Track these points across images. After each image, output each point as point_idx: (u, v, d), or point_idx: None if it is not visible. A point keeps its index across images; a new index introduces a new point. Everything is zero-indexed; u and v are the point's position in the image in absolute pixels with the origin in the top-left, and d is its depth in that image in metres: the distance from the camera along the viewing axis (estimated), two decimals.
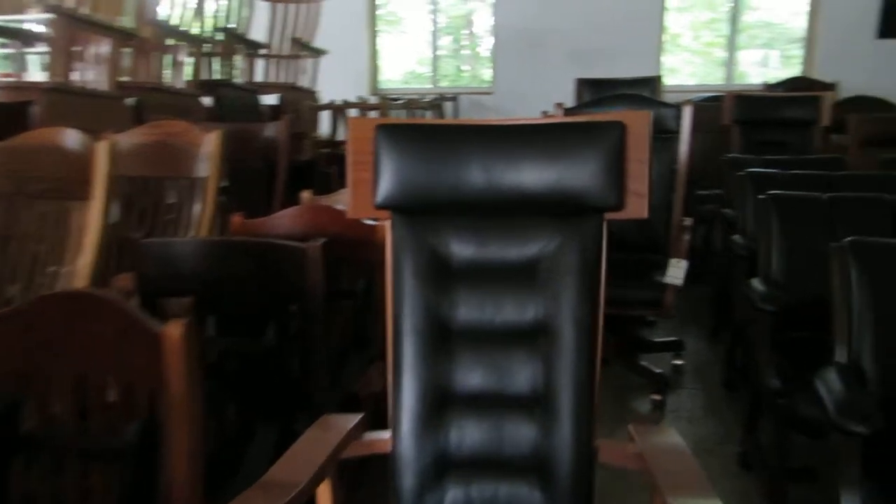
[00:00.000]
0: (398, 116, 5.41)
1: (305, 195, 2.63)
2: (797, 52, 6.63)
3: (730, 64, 6.35)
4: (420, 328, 1.24)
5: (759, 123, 3.80)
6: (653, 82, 4.36)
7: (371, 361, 2.13)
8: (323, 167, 3.94)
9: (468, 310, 1.26)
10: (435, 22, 6.98)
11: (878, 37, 5.73)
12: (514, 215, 1.26)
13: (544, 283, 1.24)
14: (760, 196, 2.14)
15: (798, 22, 6.51)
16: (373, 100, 6.42)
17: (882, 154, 3.76)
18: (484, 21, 7.26)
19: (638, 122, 1.21)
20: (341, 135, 5.26)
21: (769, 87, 5.51)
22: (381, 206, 1.26)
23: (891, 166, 3.10)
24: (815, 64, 6.01)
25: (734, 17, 6.30)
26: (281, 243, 1.80)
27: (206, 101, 3.88)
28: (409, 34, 7.51)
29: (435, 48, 7.05)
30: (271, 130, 3.29)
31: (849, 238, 1.52)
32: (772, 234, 2.08)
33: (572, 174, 1.21)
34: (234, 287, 1.91)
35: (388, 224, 1.28)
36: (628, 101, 2.94)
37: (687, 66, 7.19)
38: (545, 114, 3.77)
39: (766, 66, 7.00)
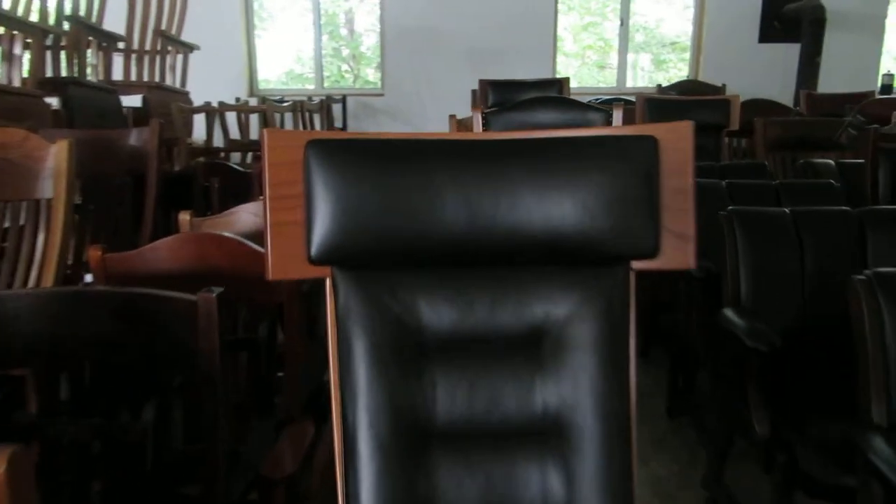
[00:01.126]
0: (288, 123, 4.89)
1: (185, 218, 2.14)
2: (670, 56, 6.76)
3: (621, 67, 6.33)
4: (383, 437, 0.85)
5: None
6: (560, 84, 4.16)
7: (279, 429, 1.71)
8: (202, 179, 3.40)
9: (451, 403, 0.88)
10: (318, 20, 6.49)
11: (759, 41, 5.89)
12: (510, 267, 0.90)
13: (555, 360, 0.89)
14: (721, 212, 1.91)
15: (673, 27, 6.63)
16: (253, 101, 5.85)
17: (785, 156, 3.75)
18: (365, 19, 6.86)
19: (676, 137, 0.88)
20: (218, 140, 4.68)
21: (663, 89, 5.50)
22: (318, 261, 0.86)
23: (808, 171, 3.02)
24: (701, 68, 6.10)
25: (625, 21, 6.28)
26: (161, 295, 1.34)
27: (53, 102, 3.24)
28: (285, 31, 6.96)
29: (318, 47, 6.56)
30: (136, 137, 2.76)
31: (873, 269, 1.28)
32: (738, 255, 1.84)
33: (587, 208, 0.86)
34: (95, 353, 1.42)
35: (328, 284, 0.88)
36: (554, 103, 2.67)
37: (566, 69, 7.15)
38: (454, 117, 3.44)
39: (642, 69, 7.09)
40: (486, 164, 0.87)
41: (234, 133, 5.37)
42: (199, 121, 4.73)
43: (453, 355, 0.89)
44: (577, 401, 0.88)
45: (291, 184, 0.85)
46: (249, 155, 4.93)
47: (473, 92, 5.42)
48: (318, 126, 5.22)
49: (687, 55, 6.76)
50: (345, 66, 7.45)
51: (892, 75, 6.00)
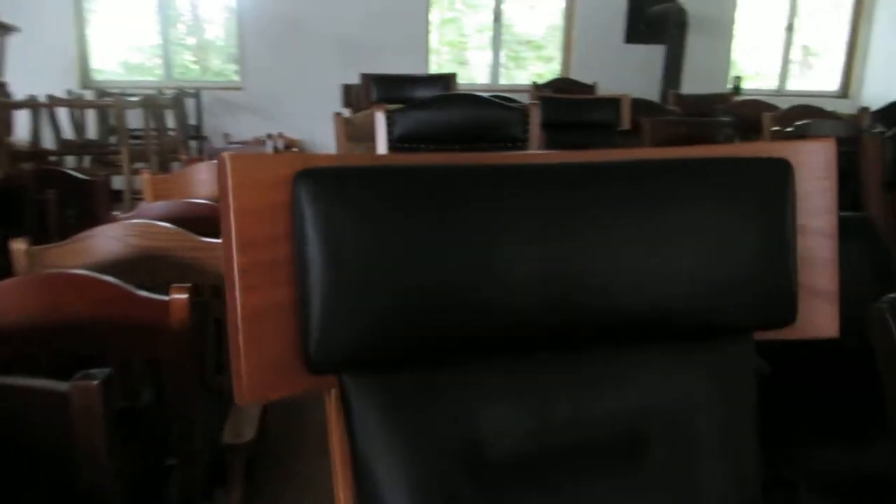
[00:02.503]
0: (134, 121, 4.25)
1: (20, 247, 1.66)
2: (528, 53, 6.77)
3: (495, 64, 6.22)
4: None
5: (564, 126, 3.54)
6: (447, 80, 3.91)
7: None
8: (33, 191, 2.78)
9: None
10: (162, 2, 5.79)
11: (625, 42, 5.99)
12: (593, 349, 0.62)
13: (662, 471, 0.62)
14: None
15: (528, 25, 6.63)
16: (88, 95, 5.08)
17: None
18: (212, 3, 6.21)
19: (814, 159, 0.64)
20: (48, 141, 3.97)
21: (538, 87, 5.43)
22: (321, 367, 0.52)
23: None
24: (571, 67, 6.12)
25: (498, 17, 6.17)
26: (18, 385, 0.91)
27: None
28: (120, 15, 6.15)
29: (166, 32, 5.87)
30: None
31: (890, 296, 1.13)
32: None
33: (706, 263, 0.60)
34: None
35: (332, 398, 0.55)
36: (468, 101, 2.40)
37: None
38: (341, 116, 3.08)
39: (502, 66, 7.02)
40: (569, 202, 0.58)
41: (68, 132, 4.63)
42: (22, 118, 3.98)
43: (524, 481, 0.59)
44: None
45: (271, 242, 0.51)
46: (87, 159, 4.24)
47: (345, 87, 5.06)
48: (170, 124, 4.61)
49: (543, 53, 6.79)
50: (190, 57, 6.73)
51: (740, 77, 6.36)
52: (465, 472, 0.57)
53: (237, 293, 0.49)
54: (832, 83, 6.83)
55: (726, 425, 0.62)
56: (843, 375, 1.28)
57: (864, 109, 3.18)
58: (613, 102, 3.61)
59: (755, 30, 6.69)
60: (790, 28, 6.60)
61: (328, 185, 0.51)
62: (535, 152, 0.59)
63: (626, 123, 3.61)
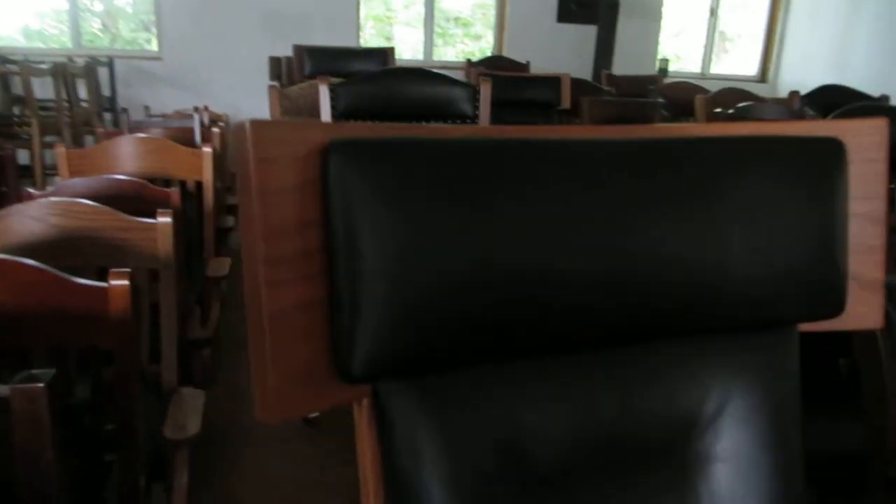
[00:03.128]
0: (42, 90, 3.91)
1: None
2: (456, 31, 6.71)
3: (428, 40, 6.10)
4: None
5: (505, 104, 3.49)
6: (384, 54, 3.78)
7: None
8: None
9: None
10: None
11: (557, 21, 6.00)
12: (641, 344, 0.56)
13: (710, 469, 0.57)
14: None
15: (456, 2, 6.55)
16: None
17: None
18: None
19: (866, 139, 0.60)
20: None
21: (472, 64, 5.36)
22: (362, 376, 0.44)
23: None
24: (504, 45, 6.09)
25: None
26: None
27: None
28: None
29: None
30: None
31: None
32: None
33: (759, 250, 0.55)
34: None
35: (363, 407, 0.47)
36: (415, 75, 2.30)
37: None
38: (275, 88, 2.92)
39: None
40: (629, 183, 0.52)
41: None
42: None
43: (570, 489, 0.53)
44: None
45: (301, 228, 0.42)
46: None
47: (272, 59, 4.84)
48: (82, 94, 4.28)
49: (471, 31, 6.74)
50: (97, 24, 6.27)
51: (667, 60, 6.50)
52: (509, 479, 0.51)
53: (263, 290, 0.41)
54: (750, 68, 7.08)
55: (776, 426, 0.58)
56: (814, 352, 1.29)
57: (795, 93, 3.28)
58: (554, 81, 3.58)
59: (680, 14, 6.84)
60: (713, 13, 6.79)
61: (369, 158, 0.42)
62: (588, 127, 0.52)
63: (566, 103, 3.60)
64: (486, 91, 2.29)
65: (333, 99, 2.25)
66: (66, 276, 1.17)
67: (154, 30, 5.50)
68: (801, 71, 6.45)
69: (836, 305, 0.59)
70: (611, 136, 0.55)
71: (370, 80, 2.27)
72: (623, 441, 0.55)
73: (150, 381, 1.68)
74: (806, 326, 0.60)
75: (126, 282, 1.19)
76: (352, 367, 0.43)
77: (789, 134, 0.58)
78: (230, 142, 5.10)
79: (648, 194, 0.52)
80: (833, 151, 0.58)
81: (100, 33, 6.09)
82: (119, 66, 5.23)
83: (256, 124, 0.40)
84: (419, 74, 2.31)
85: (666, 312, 0.54)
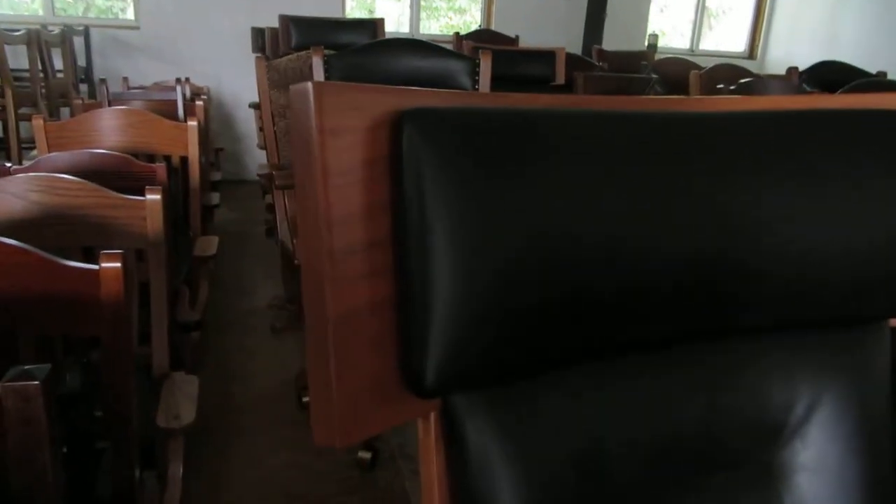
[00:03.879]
0: (15, 59, 3.74)
1: None
2: (440, 3, 6.56)
3: (414, 13, 5.96)
4: None
5: (499, 79, 3.40)
6: (374, 25, 3.66)
7: None
8: None
9: None
10: None
11: None
12: (727, 338, 0.50)
13: (793, 486, 0.52)
14: None
15: None
16: None
17: None
18: None
19: None
20: None
21: (461, 38, 5.24)
22: (436, 389, 0.38)
23: None
24: (493, 18, 5.97)
25: None
26: None
27: None
28: None
29: None
30: None
31: None
32: None
33: (850, 237, 0.50)
34: None
35: (430, 425, 0.40)
36: (410, 47, 2.21)
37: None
38: (262, 59, 2.80)
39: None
40: (719, 158, 0.45)
41: None
42: None
43: (653, 495, 0.48)
44: None
45: (369, 214, 0.35)
46: None
47: (255, 30, 4.69)
48: (58, 65, 4.11)
49: (455, 4, 6.61)
50: None
51: (656, 35, 6.42)
52: (587, 492, 0.45)
53: (327, 288, 0.34)
54: (737, 44, 7.03)
55: (866, 433, 0.53)
56: None
57: (794, 69, 3.23)
58: (548, 56, 3.50)
59: None
60: None
61: (448, 131, 0.35)
62: (678, 98, 0.45)
63: (560, 78, 3.51)
64: (486, 65, 2.21)
65: (327, 71, 2.15)
66: (52, 257, 1.09)
67: None
68: (790, 47, 6.42)
69: None
70: (693, 109, 0.48)
71: (366, 52, 2.17)
72: (705, 447, 0.49)
73: (139, 365, 1.61)
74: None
75: (118, 264, 1.11)
76: (425, 377, 0.36)
77: (873, 106, 0.52)
78: (213, 115, 4.95)
79: (741, 172, 0.46)
80: None
81: (72, 0, 5.86)
82: (94, 35, 5.04)
83: (321, 87, 0.33)
84: (417, 46, 2.22)
85: (757, 302, 0.48)
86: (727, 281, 0.45)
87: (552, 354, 0.40)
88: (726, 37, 7.15)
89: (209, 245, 2.23)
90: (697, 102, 0.49)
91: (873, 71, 3.40)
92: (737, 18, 7.02)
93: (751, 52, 6.92)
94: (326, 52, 2.22)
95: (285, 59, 2.78)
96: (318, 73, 2.12)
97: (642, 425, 0.47)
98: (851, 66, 3.18)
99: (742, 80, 2.43)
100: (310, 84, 0.32)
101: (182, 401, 1.45)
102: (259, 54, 4.32)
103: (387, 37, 4.12)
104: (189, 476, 1.86)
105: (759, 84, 2.47)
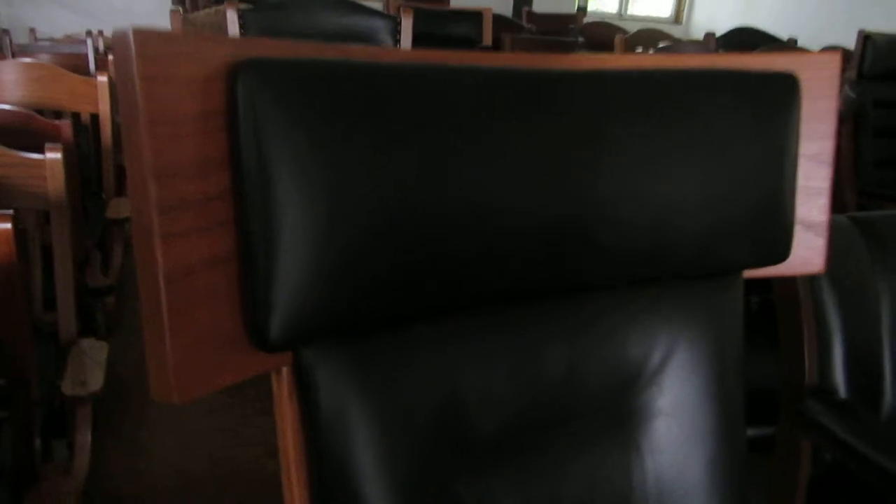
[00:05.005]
0: None
1: None
2: None
3: None
4: None
5: (424, 39, 3.36)
6: None
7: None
8: None
9: None
10: None
11: None
12: (586, 294, 0.52)
13: (658, 426, 0.55)
14: None
15: None
16: None
17: None
18: None
19: (819, 75, 0.57)
20: None
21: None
22: (280, 343, 0.38)
23: None
24: None
25: None
26: None
27: None
28: None
29: None
30: None
31: None
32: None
33: (713, 194, 0.52)
34: None
35: (282, 378, 0.41)
36: (332, 4, 2.16)
37: None
38: (178, 13, 2.69)
39: None
40: (571, 119, 0.46)
41: None
42: None
43: (516, 444, 0.50)
44: (689, 479, 0.56)
45: (201, 169, 0.35)
46: None
47: None
48: None
49: None
50: None
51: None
52: (449, 443, 0.46)
53: (156, 243, 0.33)
54: (664, 9, 7.15)
55: (719, 377, 0.56)
56: None
57: (710, 35, 3.30)
58: (475, 17, 3.47)
59: None
60: None
61: (288, 82, 0.35)
62: (535, 55, 0.46)
63: (487, 40, 3.50)
64: (407, 23, 2.18)
65: (242, 27, 2.08)
66: None
67: None
68: (713, 12, 6.56)
69: (783, 251, 0.57)
70: (563, 67, 0.49)
71: (282, 7, 2.11)
72: (568, 396, 0.51)
73: (45, 332, 1.56)
74: (751, 273, 0.58)
75: (8, 225, 1.06)
76: (269, 332, 0.36)
77: (744, 67, 0.55)
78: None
79: (602, 131, 0.47)
80: (787, 88, 0.54)
81: None
82: None
83: (142, 34, 0.32)
84: (336, 3, 2.17)
85: (612, 258, 0.50)
86: (580, 242, 0.47)
87: (397, 310, 0.41)
88: (655, 2, 7.26)
89: (123, 207, 2.15)
90: (562, 60, 0.50)
91: (786, 37, 3.52)
92: None
93: (676, 17, 7.05)
94: (242, 5, 2.14)
95: (202, 13, 2.67)
96: (233, 29, 2.05)
97: (504, 377, 0.49)
98: (764, 33, 3.28)
99: (660, 45, 2.47)
100: (130, 30, 0.31)
101: (90, 367, 1.41)
102: (178, 7, 4.14)
103: None
104: (108, 443, 1.83)
105: (675, 49, 2.52)
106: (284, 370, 0.40)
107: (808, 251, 0.59)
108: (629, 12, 7.01)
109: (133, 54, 0.31)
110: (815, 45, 3.39)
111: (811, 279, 1.11)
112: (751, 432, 1.25)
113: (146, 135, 0.32)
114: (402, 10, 2.20)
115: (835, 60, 0.56)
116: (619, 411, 0.53)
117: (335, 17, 2.14)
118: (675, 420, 0.55)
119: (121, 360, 1.79)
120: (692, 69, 0.53)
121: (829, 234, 0.58)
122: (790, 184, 0.55)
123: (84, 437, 1.48)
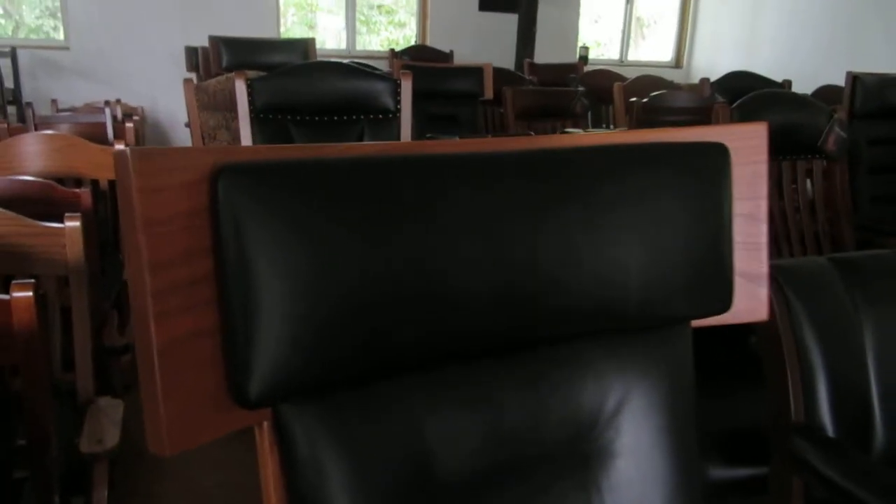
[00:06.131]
0: None
1: None
2: (379, 18, 6.66)
3: (350, 29, 6.02)
4: None
5: (428, 96, 3.50)
6: (305, 45, 3.71)
7: None
8: None
9: None
10: None
11: (479, 9, 6.03)
12: (542, 348, 0.58)
13: (614, 467, 0.60)
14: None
15: None
16: None
17: (530, 123, 3.84)
18: None
19: (749, 144, 0.63)
20: None
21: (396, 54, 5.33)
22: (260, 401, 0.44)
23: None
24: (428, 33, 6.07)
25: None
26: None
27: None
28: None
29: None
30: None
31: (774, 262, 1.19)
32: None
33: (653, 254, 0.58)
34: None
35: (264, 432, 0.47)
36: (335, 69, 2.27)
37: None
38: (190, 82, 2.83)
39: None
40: (515, 194, 0.53)
41: None
42: None
43: (480, 491, 0.55)
44: None
45: (188, 258, 0.42)
46: None
47: (189, 50, 4.68)
48: None
49: (395, 18, 6.70)
50: None
51: (587, 47, 6.62)
52: (417, 492, 0.52)
53: (150, 322, 0.40)
54: (665, 54, 7.31)
55: (673, 417, 0.61)
56: (727, 332, 1.35)
57: (705, 80, 3.41)
58: (476, 72, 3.60)
59: (598, 0, 6.98)
60: (629, 0, 6.96)
61: (259, 182, 0.42)
62: (477, 140, 0.53)
63: (488, 93, 3.62)
64: (406, 85, 2.29)
65: (251, 94, 2.20)
66: None
67: (60, 16, 5.23)
68: (712, 56, 6.70)
69: (724, 302, 0.62)
70: (504, 148, 0.56)
71: (289, 75, 2.22)
72: (528, 443, 0.56)
73: (64, 391, 1.62)
74: (698, 322, 0.64)
75: (30, 293, 1.14)
76: (248, 392, 0.43)
77: (680, 140, 0.61)
78: (146, 135, 4.91)
79: (543, 204, 0.54)
80: (718, 156, 0.61)
81: (1, 20, 5.74)
82: (23, 56, 4.95)
83: (138, 153, 0.39)
84: (339, 69, 2.28)
85: (560, 316, 0.55)
86: (529, 303, 0.53)
87: (365, 370, 0.47)
88: (656, 46, 7.42)
89: None
90: (508, 143, 0.57)
91: (781, 80, 3.61)
92: (666, 28, 7.29)
93: (677, 62, 7.19)
94: (252, 74, 2.26)
95: (213, 80, 2.81)
96: (242, 98, 2.17)
97: (468, 426, 0.54)
98: (759, 76, 3.38)
99: (652, 94, 2.57)
100: (128, 150, 0.38)
101: (106, 425, 1.47)
102: (193, 74, 4.32)
103: (319, 55, 4.17)
104: (124, 499, 1.87)
105: (668, 96, 2.61)
106: (265, 424, 0.46)
107: (751, 301, 0.64)
108: (630, 58, 7.17)
109: (130, 171, 0.38)
110: (809, 87, 3.48)
111: (790, 319, 1.15)
112: (751, 472, 1.29)
113: (142, 235, 0.39)
114: (401, 73, 2.31)
115: (761, 131, 0.62)
116: (579, 454, 0.59)
117: (339, 81, 2.25)
118: (633, 460, 0.60)
119: (136, 417, 1.84)
120: (633, 143, 0.60)
121: (770, 282, 0.64)
122: (727, 241, 0.61)
123: (101, 494, 1.53)
